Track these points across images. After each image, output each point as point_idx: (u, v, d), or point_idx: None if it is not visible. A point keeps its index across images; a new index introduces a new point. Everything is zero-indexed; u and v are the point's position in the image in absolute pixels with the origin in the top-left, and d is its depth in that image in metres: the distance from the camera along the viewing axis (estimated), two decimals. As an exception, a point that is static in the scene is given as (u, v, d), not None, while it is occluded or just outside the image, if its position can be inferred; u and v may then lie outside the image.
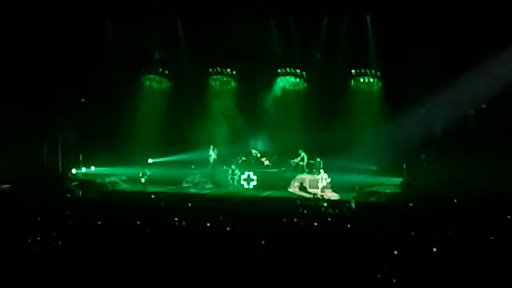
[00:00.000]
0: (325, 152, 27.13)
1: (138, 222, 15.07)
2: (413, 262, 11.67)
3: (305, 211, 19.05)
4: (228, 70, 31.17)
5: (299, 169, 27.23)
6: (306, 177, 26.62)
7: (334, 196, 25.00)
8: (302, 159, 27.25)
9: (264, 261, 11.78)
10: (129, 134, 30.02)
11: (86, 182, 26.69)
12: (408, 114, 27.18)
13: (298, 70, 30.16)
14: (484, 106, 26.14)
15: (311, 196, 24.98)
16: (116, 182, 27.73)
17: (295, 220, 16.32)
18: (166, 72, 31.51)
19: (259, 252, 12.55)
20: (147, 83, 31.60)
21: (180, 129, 30.42)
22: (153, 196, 22.73)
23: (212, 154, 28.76)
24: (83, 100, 29.15)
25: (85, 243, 12.83)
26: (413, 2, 25.01)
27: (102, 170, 28.82)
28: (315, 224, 15.69)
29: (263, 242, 13.08)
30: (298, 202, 22.34)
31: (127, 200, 21.88)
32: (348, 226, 15.23)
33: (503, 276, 10.89)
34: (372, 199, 23.98)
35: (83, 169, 29.02)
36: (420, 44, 25.29)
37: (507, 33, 23.48)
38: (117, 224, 15.05)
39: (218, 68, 31.21)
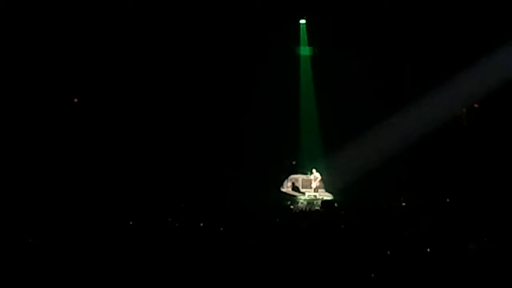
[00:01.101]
0: (319, 152, 27.14)
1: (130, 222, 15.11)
2: (406, 262, 11.71)
3: (298, 211, 19.09)
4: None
5: (292, 169, 27.16)
6: (299, 177, 26.57)
7: (328, 196, 25.01)
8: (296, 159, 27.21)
9: (255, 261, 11.80)
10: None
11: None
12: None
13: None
14: (476, 105, 26.17)
15: (304, 196, 25.01)
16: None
17: (288, 220, 16.35)
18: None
19: (251, 252, 12.57)
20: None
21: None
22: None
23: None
24: (75, 100, 28.91)
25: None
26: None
27: None
28: (308, 224, 15.73)
29: (253, 242, 13.12)
30: (290, 202, 22.40)
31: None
32: (342, 226, 15.27)
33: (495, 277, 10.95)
34: (365, 199, 23.95)
35: None
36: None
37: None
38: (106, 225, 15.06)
39: None
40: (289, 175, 26.76)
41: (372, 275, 10.90)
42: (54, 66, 25.68)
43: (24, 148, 24.62)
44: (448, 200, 20.12)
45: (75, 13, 25.17)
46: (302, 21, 27.32)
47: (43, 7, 24.82)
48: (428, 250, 12.27)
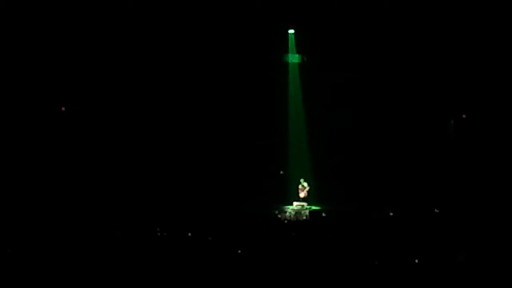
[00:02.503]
0: (306, 161, 27.13)
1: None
2: (395, 272, 11.70)
3: (286, 221, 19.04)
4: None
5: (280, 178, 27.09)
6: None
7: (315, 205, 24.96)
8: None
9: (243, 271, 11.78)
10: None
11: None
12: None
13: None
14: (464, 116, 26.28)
15: (292, 206, 24.94)
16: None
17: (276, 229, 16.32)
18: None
19: (239, 262, 12.54)
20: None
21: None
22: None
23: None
24: (63, 108, 28.74)
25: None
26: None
27: None
28: (295, 234, 15.70)
29: (239, 251, 13.10)
30: (278, 211, 22.36)
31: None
32: (330, 235, 15.25)
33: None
34: (353, 208, 23.93)
35: None
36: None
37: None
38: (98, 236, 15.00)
39: None
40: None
41: (360, 285, 10.89)
42: (40, 74, 25.62)
43: (12, 157, 24.55)
44: (436, 210, 20.12)
45: (62, 18, 25.10)
46: (291, 31, 27.37)
47: (30, 12, 24.79)
48: (416, 261, 12.26)
